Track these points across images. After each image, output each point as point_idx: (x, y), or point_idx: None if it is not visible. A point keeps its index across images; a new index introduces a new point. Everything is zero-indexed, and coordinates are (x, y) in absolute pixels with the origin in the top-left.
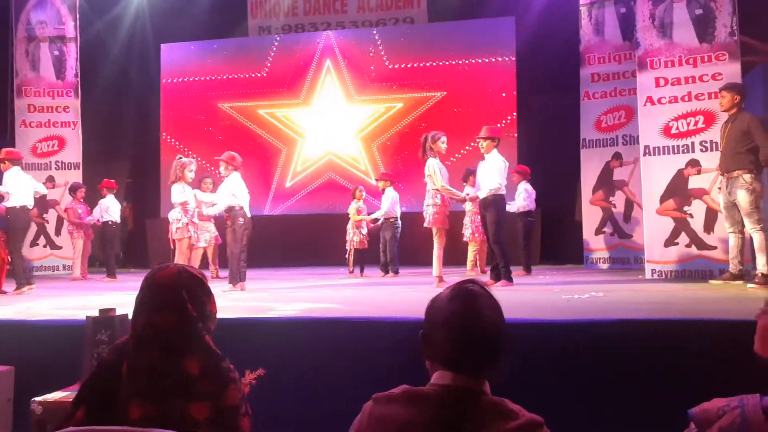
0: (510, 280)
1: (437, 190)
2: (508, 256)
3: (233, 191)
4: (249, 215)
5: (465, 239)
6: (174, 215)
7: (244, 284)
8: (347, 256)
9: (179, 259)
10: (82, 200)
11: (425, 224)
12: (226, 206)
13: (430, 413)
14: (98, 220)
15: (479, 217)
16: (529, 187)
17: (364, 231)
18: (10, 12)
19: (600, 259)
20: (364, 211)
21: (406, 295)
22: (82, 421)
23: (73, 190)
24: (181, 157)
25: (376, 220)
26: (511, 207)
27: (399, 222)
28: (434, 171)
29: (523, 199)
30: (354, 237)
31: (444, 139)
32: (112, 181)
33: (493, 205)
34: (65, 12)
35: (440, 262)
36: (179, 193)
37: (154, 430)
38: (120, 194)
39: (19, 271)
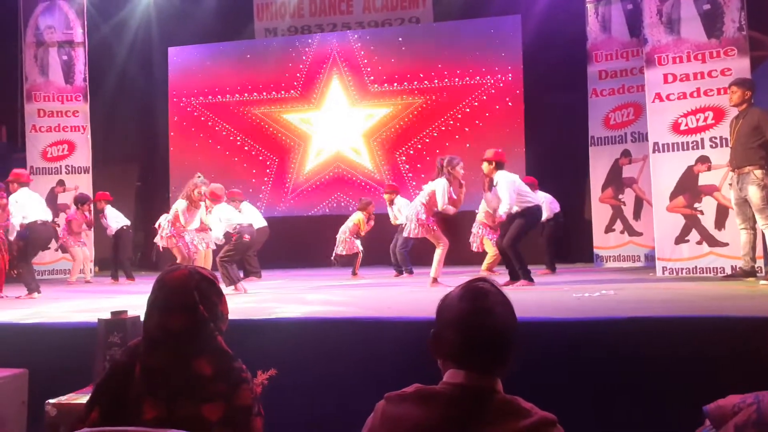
0: (530, 279)
1: (424, 204)
2: (523, 257)
3: (224, 217)
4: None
5: (473, 249)
6: (162, 222)
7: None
8: (357, 259)
9: (180, 260)
10: (87, 213)
11: (407, 234)
12: (228, 230)
13: (442, 412)
14: (113, 229)
15: (487, 229)
16: (543, 195)
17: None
18: (19, 17)
19: (610, 257)
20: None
21: (416, 294)
22: (96, 422)
23: (81, 202)
24: (200, 176)
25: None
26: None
27: None
28: (443, 192)
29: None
30: (356, 242)
31: (462, 164)
32: (106, 193)
33: (526, 215)
34: (73, 17)
35: (440, 264)
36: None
37: (167, 431)
38: (130, 198)
39: (28, 280)
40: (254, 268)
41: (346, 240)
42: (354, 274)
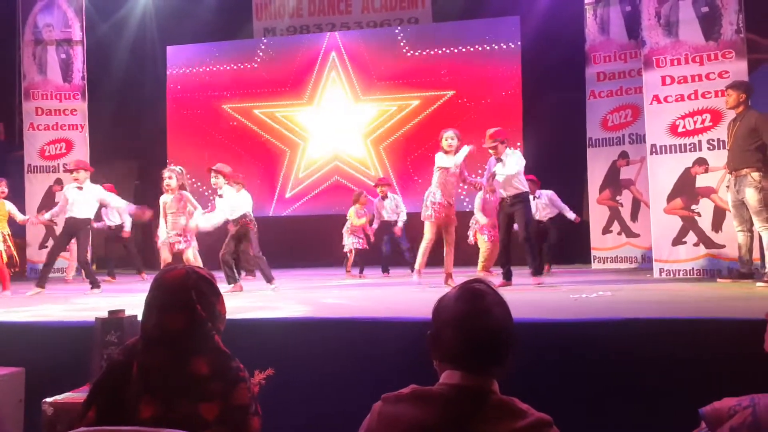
0: (540, 274)
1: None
2: (536, 252)
3: (233, 204)
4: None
5: (469, 241)
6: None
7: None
8: (347, 258)
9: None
10: None
11: (423, 218)
12: (232, 218)
13: (438, 412)
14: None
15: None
16: (546, 192)
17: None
18: (17, 15)
19: (607, 258)
20: (364, 216)
21: (413, 295)
22: (93, 421)
23: None
24: (172, 166)
25: (389, 224)
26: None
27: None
28: (442, 158)
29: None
30: (353, 240)
31: (447, 135)
32: (111, 185)
33: (523, 202)
34: (72, 15)
35: (425, 256)
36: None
37: (164, 430)
38: (128, 197)
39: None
40: (249, 266)
41: (349, 236)
42: (347, 271)
